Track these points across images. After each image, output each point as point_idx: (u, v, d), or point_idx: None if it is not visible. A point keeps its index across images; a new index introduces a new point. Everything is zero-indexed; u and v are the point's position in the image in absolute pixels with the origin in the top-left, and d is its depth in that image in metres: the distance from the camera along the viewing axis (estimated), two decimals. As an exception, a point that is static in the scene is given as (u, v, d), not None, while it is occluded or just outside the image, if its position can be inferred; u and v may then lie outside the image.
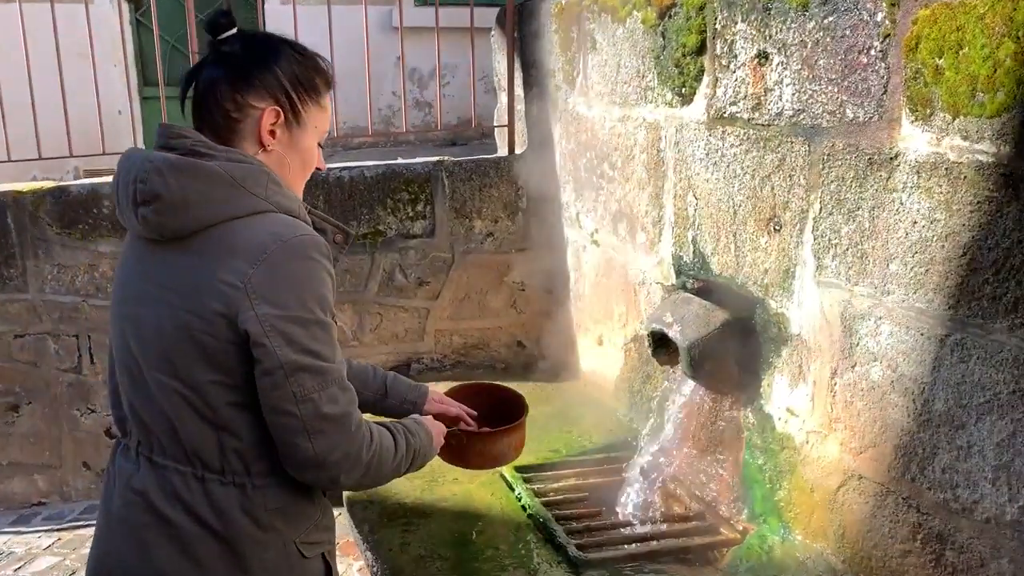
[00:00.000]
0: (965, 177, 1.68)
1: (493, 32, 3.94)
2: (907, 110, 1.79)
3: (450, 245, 3.70)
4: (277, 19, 4.40)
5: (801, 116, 2.09)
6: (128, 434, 1.40)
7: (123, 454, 1.41)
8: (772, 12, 2.15)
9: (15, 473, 3.69)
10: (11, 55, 3.71)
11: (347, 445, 1.29)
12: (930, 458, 1.83)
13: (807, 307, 2.15)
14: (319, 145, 1.45)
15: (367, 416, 1.40)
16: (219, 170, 1.28)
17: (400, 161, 3.77)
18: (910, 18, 1.76)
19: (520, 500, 2.53)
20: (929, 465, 1.84)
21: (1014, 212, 1.59)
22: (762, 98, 2.22)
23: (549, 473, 2.69)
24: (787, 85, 2.12)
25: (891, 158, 1.84)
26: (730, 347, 2.34)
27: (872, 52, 1.87)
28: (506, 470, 2.61)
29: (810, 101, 2.06)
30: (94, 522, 3.54)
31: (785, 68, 2.13)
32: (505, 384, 1.95)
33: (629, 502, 2.51)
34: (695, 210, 2.56)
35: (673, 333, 2.40)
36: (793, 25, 2.09)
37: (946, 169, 1.72)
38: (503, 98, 3.88)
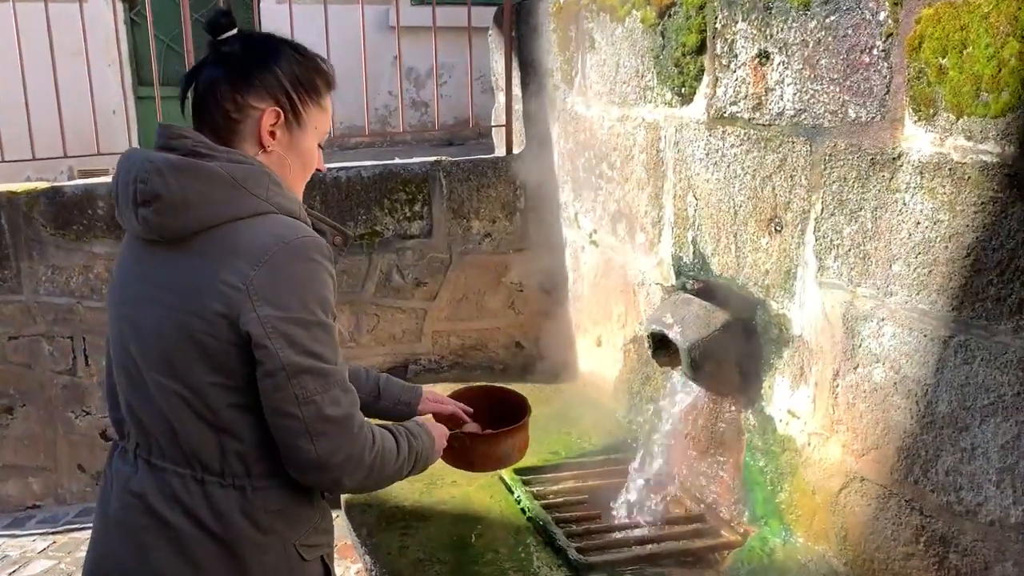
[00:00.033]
0: (969, 178, 1.67)
1: (490, 31, 3.92)
2: (910, 110, 1.78)
3: (448, 246, 3.69)
4: (273, 18, 4.38)
5: (803, 116, 2.08)
6: (126, 436, 1.39)
7: (121, 456, 1.40)
8: (773, 11, 2.14)
9: (9, 476, 3.66)
10: (5, 54, 3.69)
11: (349, 447, 1.29)
12: (933, 460, 1.82)
13: (809, 308, 2.13)
14: (319, 146, 1.44)
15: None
16: (220, 171, 1.28)
17: (397, 161, 3.75)
18: (913, 17, 1.75)
19: (519, 503, 2.52)
20: (932, 467, 1.82)
21: (1019, 213, 1.58)
22: (763, 98, 2.20)
23: (548, 475, 2.68)
24: (788, 85, 2.11)
25: (894, 158, 1.83)
26: (731, 348, 2.32)
27: (874, 51, 1.85)
28: (505, 472, 2.60)
29: (812, 101, 2.04)
30: (89, 525, 3.51)
31: (786, 68, 2.11)
32: (506, 385, 1.93)
33: (629, 504, 2.49)
34: (695, 210, 2.55)
35: (673, 334, 2.38)
36: (794, 24, 2.07)
37: (950, 169, 1.70)
38: (501, 98, 3.86)
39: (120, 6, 5.97)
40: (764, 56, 2.18)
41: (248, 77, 1.33)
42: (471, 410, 1.81)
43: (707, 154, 2.46)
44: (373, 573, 2.29)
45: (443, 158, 3.69)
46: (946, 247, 1.73)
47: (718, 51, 2.36)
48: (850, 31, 1.91)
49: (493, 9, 3.86)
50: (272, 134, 1.35)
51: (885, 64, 1.83)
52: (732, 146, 2.34)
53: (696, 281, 2.57)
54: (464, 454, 1.68)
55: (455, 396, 1.84)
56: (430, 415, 1.72)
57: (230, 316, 1.24)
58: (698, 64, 2.45)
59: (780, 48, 2.12)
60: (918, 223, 1.79)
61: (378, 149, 5.98)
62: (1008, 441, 1.65)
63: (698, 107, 2.47)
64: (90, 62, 3.64)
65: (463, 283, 3.73)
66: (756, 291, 2.31)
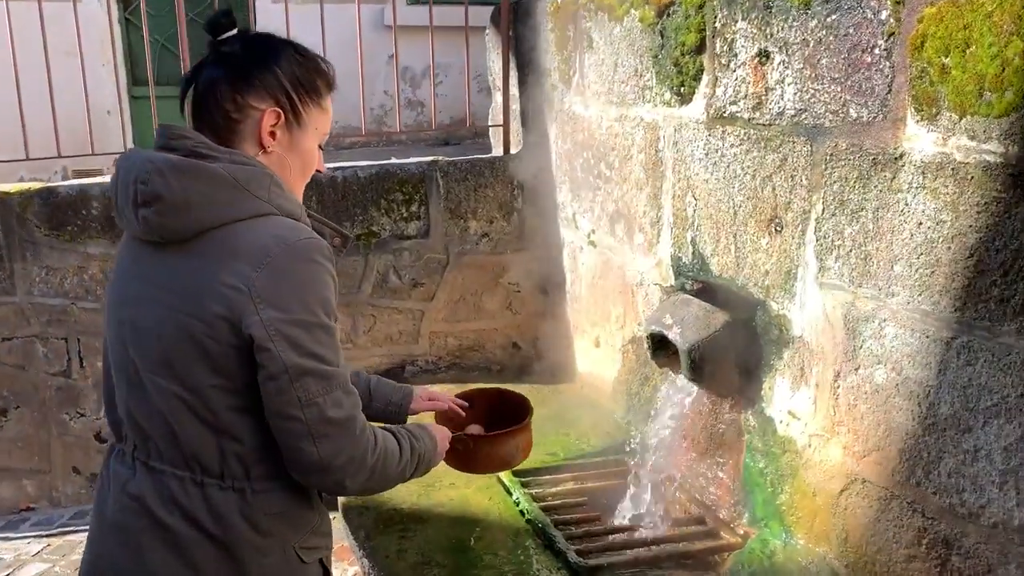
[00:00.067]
0: (972, 178, 1.65)
1: (487, 31, 3.90)
2: (912, 109, 1.77)
3: (445, 246, 3.67)
4: (268, 18, 4.35)
5: (803, 116, 2.06)
6: (123, 439, 1.38)
7: (118, 459, 1.38)
8: (773, 10, 2.12)
9: (3, 478, 3.63)
10: (-2, 54, 3.66)
11: (352, 449, 1.28)
12: (936, 462, 1.81)
13: (809, 309, 2.12)
14: (319, 147, 1.43)
15: None
16: (222, 172, 1.27)
17: (394, 161, 3.73)
18: (915, 16, 1.74)
19: (518, 505, 2.50)
20: (935, 469, 1.81)
21: (1022, 213, 1.57)
22: (763, 97, 2.19)
23: (547, 477, 2.66)
24: (789, 84, 2.10)
25: (896, 158, 1.82)
26: (731, 349, 2.31)
27: (876, 51, 1.84)
28: (504, 474, 2.58)
29: (812, 100, 2.03)
30: (84, 528, 3.48)
31: (787, 67, 2.10)
32: (507, 387, 1.91)
33: (628, 506, 2.48)
34: (694, 210, 2.54)
35: (673, 335, 2.37)
36: (795, 24, 2.06)
37: (952, 169, 1.69)
38: (498, 97, 3.85)
39: (114, 5, 5.94)
40: (764, 55, 2.16)
41: (248, 77, 1.32)
42: (466, 404, 1.80)
43: (706, 154, 2.45)
44: (371, 576, 2.27)
45: (440, 158, 3.68)
46: (949, 248, 1.72)
47: (718, 50, 2.34)
48: (851, 30, 1.90)
49: (490, 8, 3.85)
50: (272, 135, 1.34)
51: (887, 63, 1.82)
52: (732, 146, 2.33)
53: (695, 282, 2.56)
54: (467, 456, 1.67)
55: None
56: (432, 419, 1.71)
57: (232, 318, 1.23)
58: (697, 63, 2.43)
59: (780, 47, 2.11)
60: (920, 223, 1.78)
61: (374, 149, 5.96)
62: (1011, 443, 1.64)
63: (697, 107, 2.46)
64: (84, 62, 3.61)
65: (460, 284, 3.71)
66: (756, 292, 2.30)
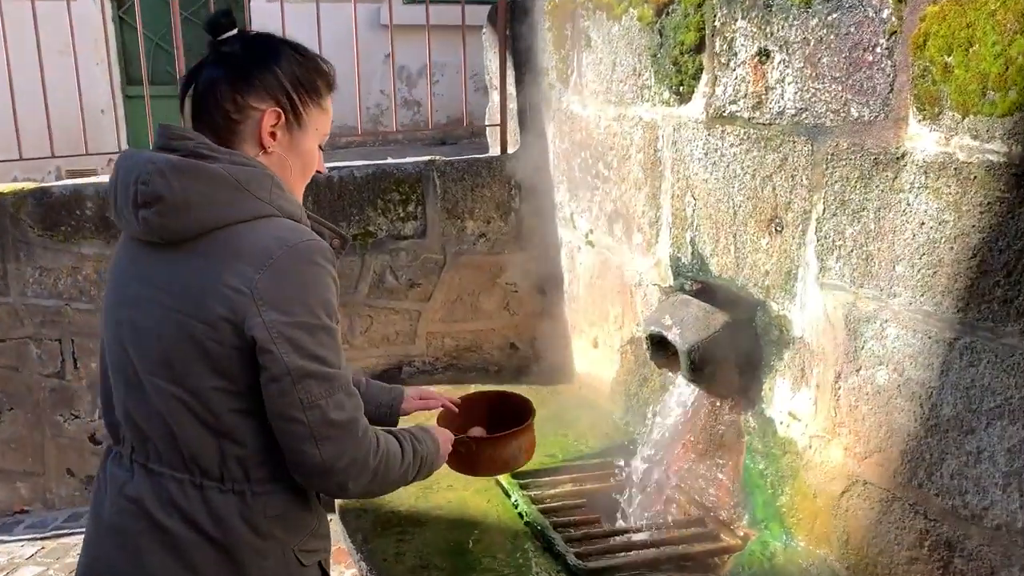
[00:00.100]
0: (975, 177, 1.64)
1: (484, 30, 3.89)
2: (914, 109, 1.75)
3: (442, 246, 3.65)
4: (264, 17, 4.33)
5: (804, 115, 2.05)
6: (121, 441, 1.37)
7: (115, 461, 1.38)
8: (773, 9, 2.11)
9: (-3, 481, 3.61)
10: (-9, 53, 3.62)
11: (354, 451, 1.28)
12: (938, 464, 1.80)
13: (810, 309, 2.11)
14: (320, 147, 1.43)
15: None
16: (223, 173, 1.26)
17: (390, 161, 3.72)
18: (918, 15, 1.73)
19: (517, 507, 2.49)
20: (937, 471, 1.80)
21: (1026, 213, 1.56)
22: (763, 97, 2.18)
23: (546, 479, 2.65)
24: (789, 83, 2.08)
25: (897, 158, 1.81)
26: (730, 350, 2.30)
27: (878, 50, 1.83)
28: (502, 476, 2.57)
29: (813, 100, 2.02)
30: (79, 530, 3.46)
31: (787, 66, 2.09)
32: (508, 389, 1.90)
33: (628, 508, 2.47)
34: (693, 210, 2.52)
35: (672, 336, 2.36)
36: (795, 22, 2.05)
37: (955, 169, 1.68)
38: (495, 97, 3.83)
39: (108, 4, 5.91)
40: (764, 54, 2.15)
41: (248, 77, 1.32)
42: (458, 400, 1.79)
43: (706, 154, 2.43)
44: (369, 580, 2.25)
45: (437, 158, 3.66)
46: (951, 248, 1.71)
47: (717, 49, 2.33)
48: (852, 29, 1.89)
49: (486, 7, 3.83)
50: (272, 135, 1.34)
51: (888, 62, 1.81)
52: (731, 145, 2.31)
53: (695, 282, 2.54)
54: (470, 458, 1.66)
55: (455, 405, 1.81)
56: (433, 421, 1.70)
57: (234, 320, 1.23)
58: (696, 63, 2.42)
59: (781, 46, 2.10)
60: (922, 224, 1.77)
61: (370, 148, 5.93)
62: (1015, 445, 1.63)
63: (697, 106, 2.45)
64: (78, 61, 3.59)
65: (457, 284, 3.69)
66: (756, 292, 2.29)
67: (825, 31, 1.96)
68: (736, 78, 2.27)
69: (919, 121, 1.75)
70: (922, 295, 1.79)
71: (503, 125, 3.76)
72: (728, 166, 2.34)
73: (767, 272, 2.24)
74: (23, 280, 3.43)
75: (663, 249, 2.71)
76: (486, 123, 4.01)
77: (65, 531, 3.49)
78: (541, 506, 2.48)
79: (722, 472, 2.45)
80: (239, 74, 1.31)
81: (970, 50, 1.62)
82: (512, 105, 3.73)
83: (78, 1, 3.84)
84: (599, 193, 3.14)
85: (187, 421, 1.28)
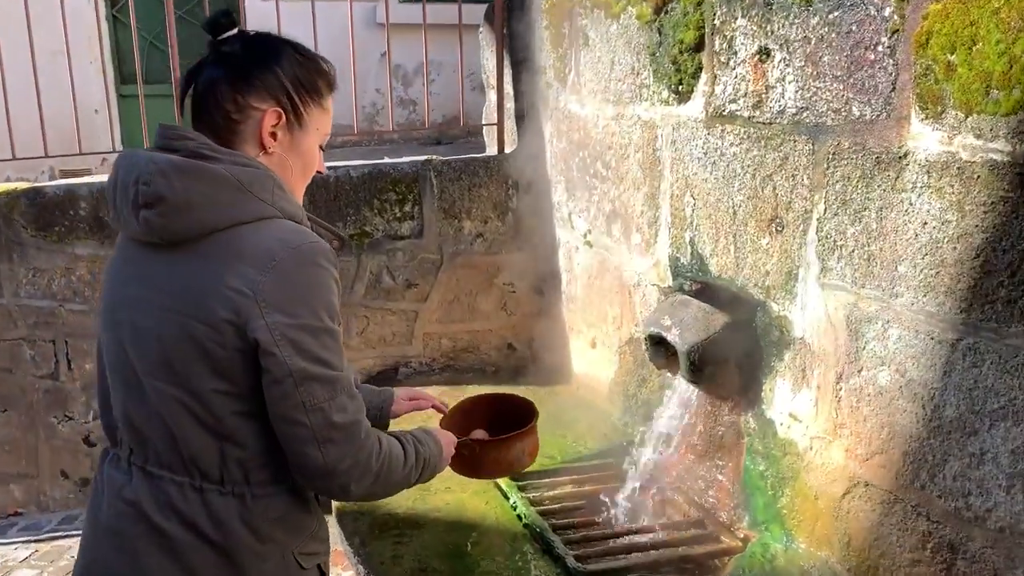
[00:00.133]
0: (978, 177, 1.63)
1: (481, 28, 3.87)
2: (917, 108, 1.74)
3: (439, 246, 3.63)
4: (259, 16, 4.30)
5: (804, 114, 2.04)
6: (119, 443, 1.37)
7: (113, 463, 1.37)
8: (774, 7, 2.09)
9: (-10, 483, 3.58)
10: (-17, 52, 3.59)
11: (357, 453, 1.28)
12: (941, 465, 1.79)
13: (811, 310, 2.10)
14: (320, 148, 1.42)
15: None
16: (225, 173, 1.26)
17: (387, 160, 3.70)
18: (920, 13, 1.71)
19: (515, 509, 2.47)
20: (940, 472, 1.79)
21: (1031, 213, 1.55)
22: (763, 96, 2.16)
23: (544, 480, 2.63)
24: (790, 82, 2.07)
25: (900, 157, 1.79)
26: (731, 351, 2.28)
27: (880, 48, 1.82)
28: (501, 478, 2.55)
29: (814, 99, 2.00)
30: (73, 533, 3.43)
31: (788, 65, 2.07)
32: (510, 392, 1.89)
33: (627, 510, 2.45)
34: (693, 210, 2.51)
35: (672, 337, 2.34)
36: (796, 21, 2.03)
37: (958, 168, 1.67)
38: (492, 96, 3.81)
39: (102, 2, 5.87)
40: (765, 53, 2.14)
41: (249, 77, 1.31)
42: (446, 402, 1.78)
43: (705, 153, 2.42)
44: (366, 583, 2.23)
45: (434, 157, 3.64)
46: (954, 248, 1.70)
47: (717, 48, 2.31)
48: (854, 27, 1.87)
49: (483, 6, 3.81)
50: (273, 135, 1.33)
51: (890, 61, 1.79)
52: (731, 145, 2.30)
53: (694, 282, 2.53)
54: (473, 461, 1.65)
55: (458, 408, 1.80)
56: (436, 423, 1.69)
57: (237, 322, 1.22)
58: (696, 61, 2.40)
59: (781, 45, 2.08)
60: (925, 223, 1.75)
61: (365, 148, 5.91)
62: (1019, 446, 1.62)
63: (696, 105, 2.43)
64: (71, 60, 3.56)
65: (454, 284, 3.67)
66: (756, 292, 2.27)
67: (826, 29, 1.95)
68: (736, 77, 2.25)
69: (922, 120, 1.73)
70: (925, 295, 1.78)
71: (500, 124, 3.74)
72: (728, 165, 2.32)
73: (767, 272, 2.23)
74: (16, 281, 3.40)
75: (662, 249, 2.70)
76: (483, 122, 4.00)
77: (59, 534, 3.47)
78: (540, 508, 2.46)
79: (722, 473, 2.44)
80: (239, 74, 1.31)
81: (973, 48, 1.60)
82: (509, 104, 3.71)
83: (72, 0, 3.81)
84: (597, 193, 3.12)
85: (187, 423, 1.27)
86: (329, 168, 3.52)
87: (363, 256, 3.55)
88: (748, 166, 2.24)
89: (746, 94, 2.22)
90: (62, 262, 3.41)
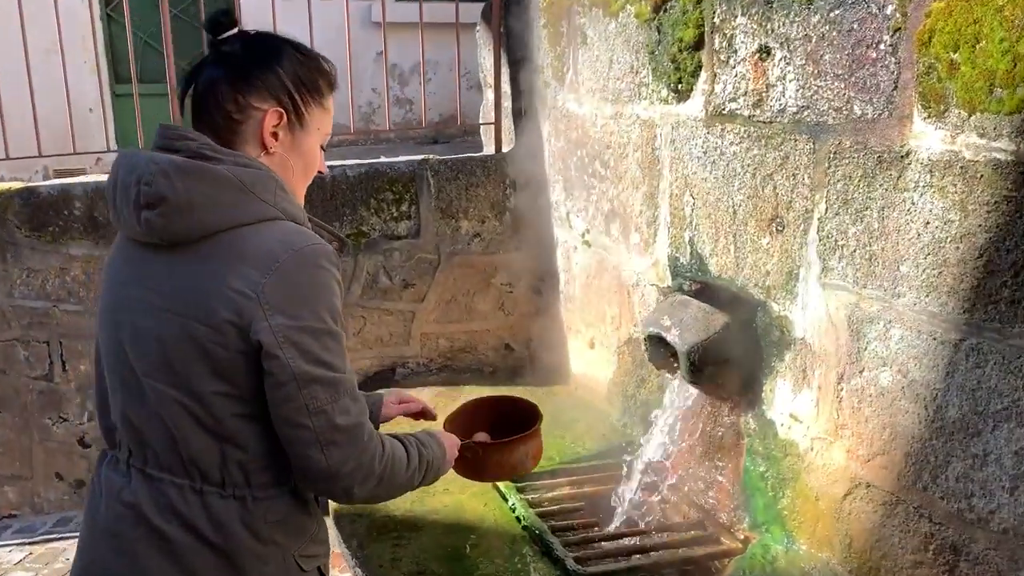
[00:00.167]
0: (982, 176, 1.62)
1: (478, 27, 3.85)
2: (919, 106, 1.73)
3: (436, 246, 3.61)
4: (254, 15, 4.27)
5: (805, 113, 2.02)
6: (117, 445, 1.35)
7: (111, 466, 1.36)
8: (774, 5, 2.08)
9: (-16, 485, 3.55)
10: (-24, 50, 3.57)
11: (360, 456, 1.28)
12: (943, 466, 1.77)
13: (812, 310, 2.08)
14: (321, 147, 1.41)
15: None
16: (228, 174, 1.25)
17: (383, 160, 3.67)
18: (922, 11, 1.70)
19: (514, 511, 2.45)
20: (942, 474, 1.78)
21: (1035, 212, 1.53)
22: (764, 94, 2.15)
23: (543, 482, 2.61)
24: (790, 81, 2.06)
25: (902, 156, 1.78)
26: (731, 351, 2.27)
27: (881, 46, 1.80)
28: (499, 480, 2.53)
29: (815, 97, 1.99)
30: (68, 535, 3.39)
31: (788, 63, 2.06)
32: (514, 394, 1.87)
33: (627, 512, 2.43)
34: (692, 210, 2.49)
35: (672, 337, 2.33)
36: (797, 19, 2.02)
37: (961, 168, 1.65)
38: (489, 95, 3.79)
39: (96, 1, 5.83)
40: (765, 51, 2.12)
41: (249, 77, 1.30)
42: (433, 407, 1.76)
43: (705, 152, 2.40)
44: (364, 586, 2.22)
45: (431, 157, 3.62)
46: (957, 248, 1.68)
47: (716, 46, 2.30)
48: (855, 25, 1.86)
49: (480, 4, 3.79)
50: (275, 135, 1.32)
51: (893, 59, 1.78)
52: (731, 144, 2.28)
53: (693, 282, 2.51)
54: (477, 464, 1.64)
55: (461, 410, 1.78)
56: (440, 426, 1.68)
57: (240, 324, 1.21)
58: (695, 60, 2.39)
59: (782, 43, 2.07)
60: (927, 223, 1.74)
61: (361, 147, 5.89)
62: (1022, 447, 1.60)
63: (695, 104, 2.42)
64: (65, 59, 3.53)
65: (452, 284, 3.65)
66: (756, 292, 2.26)
67: (827, 28, 1.93)
68: (736, 75, 2.24)
69: (924, 119, 1.72)
70: (927, 295, 1.76)
71: (497, 123, 3.72)
72: (728, 165, 2.31)
73: (768, 272, 2.21)
74: (10, 281, 3.38)
75: (661, 249, 2.68)
76: (480, 121, 3.98)
77: (54, 536, 3.44)
78: (539, 510, 2.45)
79: (722, 474, 2.42)
80: (240, 74, 1.30)
81: (977, 46, 1.59)
82: (507, 103, 3.69)
83: (65, -2, 3.78)
84: (596, 192, 3.10)
85: (188, 425, 1.26)
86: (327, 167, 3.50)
87: (360, 256, 3.53)
88: (748, 165, 2.23)
89: (746, 93, 2.21)
90: (56, 262, 3.39)
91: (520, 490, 2.55)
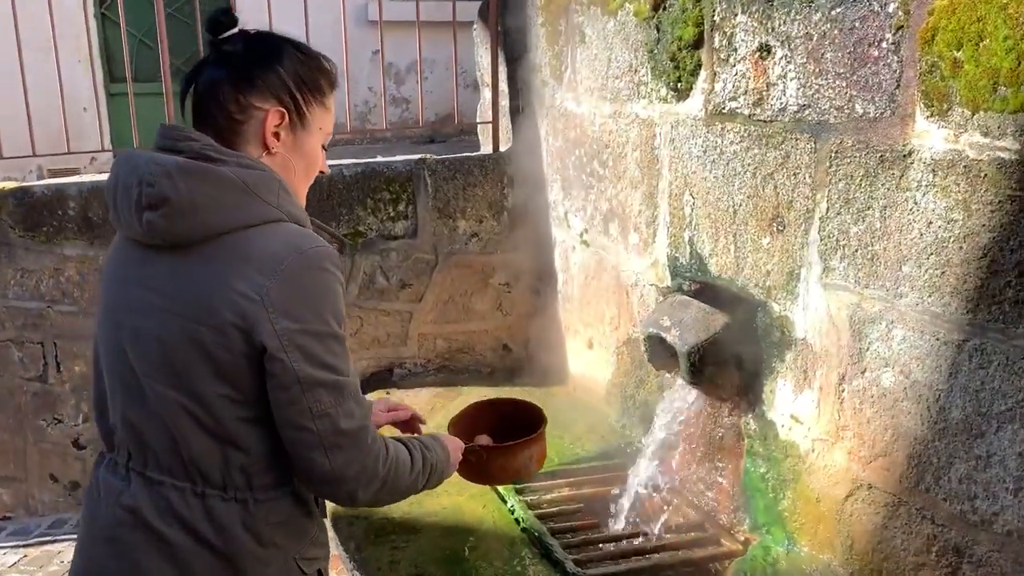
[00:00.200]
0: (985, 175, 1.60)
1: (475, 26, 3.83)
2: (922, 105, 1.71)
3: (433, 246, 3.59)
4: (249, 13, 4.25)
5: (806, 112, 2.01)
6: (116, 448, 1.34)
7: (109, 469, 1.35)
8: (775, 4, 2.07)
9: (-23, 488, 3.53)
10: (-31, 49, 3.54)
11: (364, 459, 1.27)
12: (946, 468, 1.76)
13: (813, 310, 2.07)
14: (323, 147, 1.40)
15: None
16: (231, 176, 1.24)
17: (380, 159, 3.65)
18: (925, 9, 1.69)
19: (513, 513, 2.44)
20: (945, 475, 1.77)
21: (1039, 212, 1.52)
22: (764, 93, 2.13)
23: (542, 483, 2.60)
24: (791, 79, 2.04)
25: (904, 155, 1.77)
26: (731, 352, 2.26)
27: (884, 45, 1.79)
28: (498, 481, 2.51)
29: (816, 96, 1.98)
30: (62, 537, 3.36)
31: (789, 62, 2.04)
32: (520, 398, 1.86)
33: (626, 513, 2.42)
34: (692, 209, 2.48)
35: (672, 338, 2.31)
36: (797, 17, 2.00)
37: (964, 167, 1.64)
38: (487, 94, 3.77)
39: None
40: (765, 50, 2.11)
41: (251, 77, 1.29)
42: (425, 412, 1.75)
43: (704, 151, 2.39)
44: (362, 589, 2.20)
45: (428, 156, 3.60)
46: (960, 248, 1.67)
47: (716, 45, 2.28)
48: (857, 23, 1.85)
49: (477, 3, 3.77)
50: (276, 135, 1.31)
51: (895, 58, 1.77)
52: (731, 143, 2.27)
53: (693, 282, 2.50)
54: (480, 468, 1.62)
55: (464, 413, 1.77)
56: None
57: (244, 327, 1.21)
58: (695, 58, 2.37)
59: (782, 41, 2.05)
60: (930, 223, 1.73)
61: (357, 147, 5.86)
62: (1027, 449, 1.59)
63: (695, 103, 2.40)
64: (59, 57, 3.50)
65: (449, 284, 3.63)
66: (757, 293, 2.24)
67: (828, 26, 1.92)
68: (736, 74, 2.22)
69: (927, 118, 1.71)
70: (930, 296, 1.75)
71: (495, 122, 3.70)
72: (728, 164, 2.29)
73: (768, 272, 2.20)
74: (4, 282, 3.35)
75: (660, 249, 2.67)
76: (477, 120, 3.96)
77: (48, 538, 3.42)
78: (538, 511, 2.43)
79: (722, 476, 2.41)
80: (242, 74, 1.29)
81: (981, 45, 1.58)
82: (504, 102, 3.68)
83: (59, -4, 3.74)
84: (594, 192, 3.09)
85: (189, 428, 1.25)
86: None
87: (357, 256, 3.51)
88: (748, 165, 2.21)
89: (746, 92, 2.19)
90: (51, 263, 3.36)
91: (519, 492, 2.53)
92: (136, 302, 1.28)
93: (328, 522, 2.46)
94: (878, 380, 1.90)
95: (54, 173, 4.47)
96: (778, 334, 2.19)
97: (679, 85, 2.45)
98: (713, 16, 2.28)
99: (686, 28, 2.38)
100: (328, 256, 1.26)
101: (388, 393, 3.45)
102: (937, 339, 1.75)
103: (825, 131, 1.96)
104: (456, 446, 1.55)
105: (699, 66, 2.36)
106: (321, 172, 1.41)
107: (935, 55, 1.67)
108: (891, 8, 1.76)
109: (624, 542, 2.33)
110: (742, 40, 2.18)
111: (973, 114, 1.61)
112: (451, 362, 3.69)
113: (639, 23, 2.63)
